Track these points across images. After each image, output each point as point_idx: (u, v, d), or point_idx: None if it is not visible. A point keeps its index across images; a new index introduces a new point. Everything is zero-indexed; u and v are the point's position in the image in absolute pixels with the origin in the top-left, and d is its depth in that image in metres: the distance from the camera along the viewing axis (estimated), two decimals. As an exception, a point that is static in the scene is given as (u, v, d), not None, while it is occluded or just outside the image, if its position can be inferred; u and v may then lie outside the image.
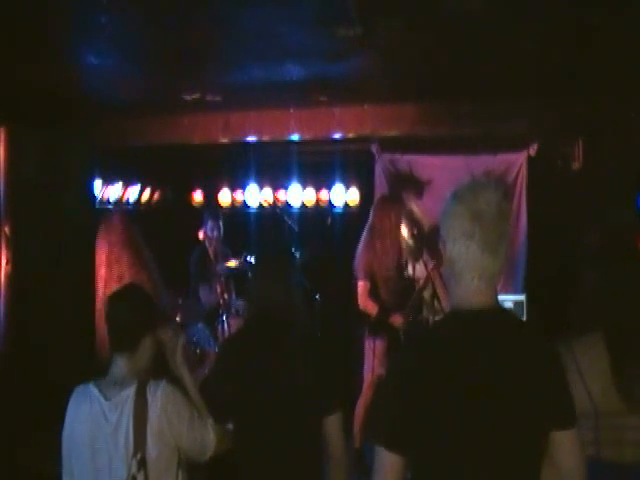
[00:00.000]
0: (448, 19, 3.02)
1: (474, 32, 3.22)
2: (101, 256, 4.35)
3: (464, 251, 1.74)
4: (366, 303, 5.01)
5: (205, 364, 5.45)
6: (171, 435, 2.38)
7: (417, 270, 5.18)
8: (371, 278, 5.00)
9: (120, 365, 2.46)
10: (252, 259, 6.01)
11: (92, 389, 2.43)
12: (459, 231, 1.74)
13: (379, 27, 3.11)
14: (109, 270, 4.22)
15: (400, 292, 5.08)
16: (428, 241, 5.50)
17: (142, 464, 2.31)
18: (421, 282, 5.02)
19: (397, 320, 4.91)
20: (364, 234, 5.19)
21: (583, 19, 3.00)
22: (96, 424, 2.38)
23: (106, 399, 2.39)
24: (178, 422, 2.39)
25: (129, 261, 4.21)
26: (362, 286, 5.02)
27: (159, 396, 2.37)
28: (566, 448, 1.79)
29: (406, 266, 5.14)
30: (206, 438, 2.50)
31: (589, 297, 2.45)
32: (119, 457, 2.34)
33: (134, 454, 2.31)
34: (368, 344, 5.04)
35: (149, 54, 3.62)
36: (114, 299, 2.58)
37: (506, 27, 3.17)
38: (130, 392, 2.37)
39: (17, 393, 4.36)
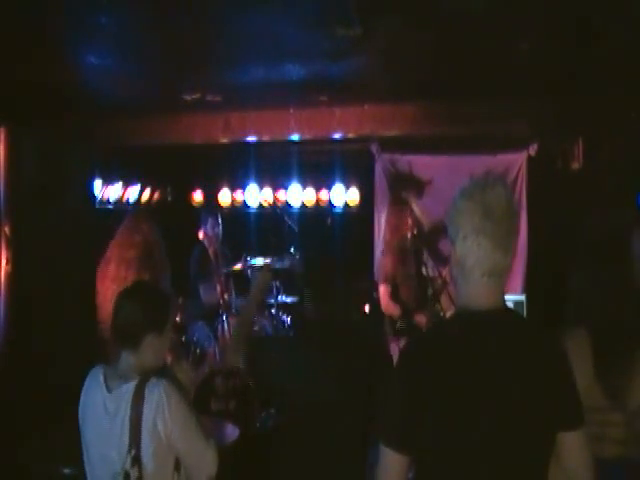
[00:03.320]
0: (448, 19, 3.02)
1: (474, 32, 3.22)
2: (113, 252, 4.33)
3: (475, 247, 1.74)
4: (388, 306, 5.04)
5: (205, 363, 5.46)
6: (164, 434, 2.36)
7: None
8: (391, 281, 5.03)
9: (125, 360, 2.48)
10: (260, 259, 5.98)
11: (100, 376, 2.46)
12: (469, 227, 1.74)
13: (379, 27, 3.11)
14: (117, 268, 4.20)
15: (421, 291, 5.11)
16: (428, 241, 5.50)
17: (136, 460, 2.32)
18: (439, 281, 5.03)
19: (421, 319, 4.94)
20: (380, 240, 5.22)
21: (583, 19, 3.00)
22: (97, 413, 2.40)
23: (108, 390, 2.41)
24: (174, 422, 2.37)
25: (141, 262, 4.19)
26: (384, 290, 5.05)
27: (156, 394, 2.36)
28: (573, 449, 1.78)
29: (424, 264, 5.17)
30: (205, 451, 2.47)
31: (580, 295, 2.47)
32: (113, 449, 2.36)
33: (129, 450, 2.32)
34: (393, 346, 5.05)
35: (149, 54, 3.62)
36: (121, 296, 2.59)
37: (506, 27, 3.17)
38: (130, 387, 2.38)
39: (17, 393, 4.36)
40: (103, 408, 2.39)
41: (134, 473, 2.31)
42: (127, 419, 2.34)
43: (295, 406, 2.57)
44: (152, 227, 4.36)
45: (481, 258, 1.74)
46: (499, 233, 1.73)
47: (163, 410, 2.35)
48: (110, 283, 4.06)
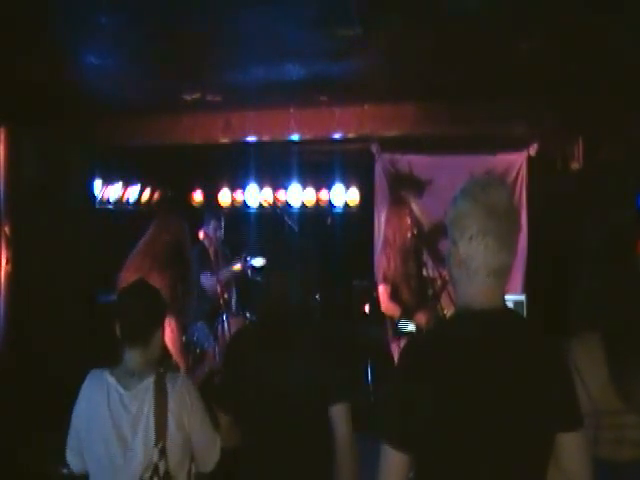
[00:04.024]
0: (448, 19, 3.02)
1: (474, 32, 3.22)
2: (142, 245, 4.39)
3: (482, 248, 1.74)
4: (388, 306, 5.02)
5: (205, 363, 5.46)
6: (188, 425, 2.44)
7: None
8: (391, 281, 5.01)
9: (134, 357, 2.49)
10: (260, 259, 6.01)
11: (108, 377, 2.46)
12: (475, 228, 1.74)
13: (379, 27, 3.12)
14: (142, 261, 4.27)
15: (421, 290, 5.09)
16: (428, 241, 5.50)
17: (163, 453, 2.38)
18: (439, 282, 5.02)
19: (421, 318, 4.92)
20: (380, 240, 5.20)
21: (583, 19, 3.00)
22: (114, 413, 2.41)
23: (125, 389, 2.43)
24: (194, 414, 2.46)
25: (167, 259, 4.26)
26: (383, 290, 5.03)
27: (179, 386, 2.44)
28: (572, 450, 1.78)
29: (424, 264, 5.15)
30: (214, 442, 2.55)
31: (587, 297, 2.46)
32: (137, 446, 2.38)
33: (156, 443, 2.37)
34: (394, 346, 5.05)
35: (149, 54, 3.62)
36: (125, 295, 2.62)
37: (506, 27, 3.17)
38: (150, 382, 2.42)
39: (17, 393, 4.36)
40: (122, 408, 2.40)
41: (162, 465, 2.37)
42: (152, 414, 2.38)
43: (255, 405, 2.56)
44: (181, 228, 4.44)
45: (488, 258, 1.74)
46: (503, 232, 1.74)
47: (186, 403, 2.43)
48: (133, 273, 4.13)
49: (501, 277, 1.77)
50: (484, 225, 1.73)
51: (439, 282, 5.01)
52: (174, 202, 7.05)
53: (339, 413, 2.51)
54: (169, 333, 4.16)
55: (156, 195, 7.27)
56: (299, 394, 2.50)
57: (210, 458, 2.57)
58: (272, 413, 2.51)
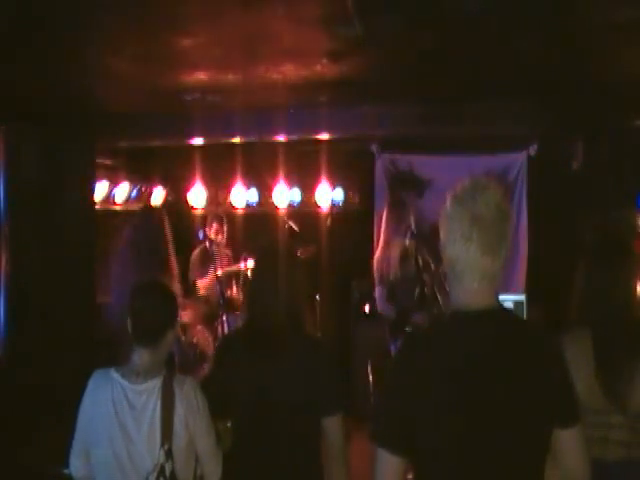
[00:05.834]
0: (448, 19, 3.02)
1: (474, 32, 3.23)
2: (119, 251, 4.35)
3: (464, 253, 1.74)
4: (384, 308, 5.02)
5: (205, 365, 5.46)
6: (193, 427, 2.43)
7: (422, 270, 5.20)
8: (387, 283, 5.01)
9: (143, 357, 2.48)
10: (251, 261, 6.03)
11: (114, 375, 2.45)
12: (458, 233, 1.74)
13: (379, 27, 3.12)
14: (124, 268, 4.22)
15: (419, 290, 5.09)
16: (428, 241, 5.50)
17: (169, 454, 2.37)
18: (438, 274, 5.04)
19: (419, 319, 4.92)
20: (381, 240, 5.21)
21: (583, 19, 3.00)
22: (118, 408, 2.40)
23: (131, 384, 2.42)
24: (200, 418, 2.45)
25: (146, 262, 4.22)
26: (379, 292, 5.03)
27: (186, 389, 2.42)
28: (569, 447, 1.79)
29: (420, 266, 5.15)
30: (218, 451, 2.54)
31: (579, 296, 2.48)
32: (141, 444, 2.38)
33: (162, 444, 2.36)
34: (392, 347, 5.05)
35: (149, 54, 3.62)
36: (139, 294, 2.58)
37: (506, 27, 3.17)
38: (157, 383, 2.41)
39: (17, 393, 4.36)
40: (127, 403, 2.39)
41: (168, 467, 2.37)
42: (158, 414, 2.37)
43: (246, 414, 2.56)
44: (160, 227, 4.37)
45: (470, 263, 1.75)
46: (488, 239, 1.73)
47: (192, 406, 2.42)
48: (116, 280, 4.09)
49: (489, 281, 1.77)
50: (468, 230, 1.73)
51: (438, 277, 5.01)
52: (143, 202, 6.79)
53: (331, 424, 2.51)
54: None
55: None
56: (288, 402, 2.49)
57: (215, 469, 2.53)
58: (262, 421, 2.50)
